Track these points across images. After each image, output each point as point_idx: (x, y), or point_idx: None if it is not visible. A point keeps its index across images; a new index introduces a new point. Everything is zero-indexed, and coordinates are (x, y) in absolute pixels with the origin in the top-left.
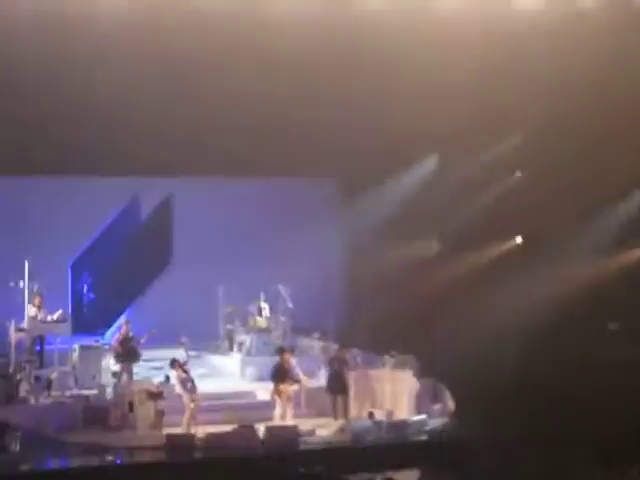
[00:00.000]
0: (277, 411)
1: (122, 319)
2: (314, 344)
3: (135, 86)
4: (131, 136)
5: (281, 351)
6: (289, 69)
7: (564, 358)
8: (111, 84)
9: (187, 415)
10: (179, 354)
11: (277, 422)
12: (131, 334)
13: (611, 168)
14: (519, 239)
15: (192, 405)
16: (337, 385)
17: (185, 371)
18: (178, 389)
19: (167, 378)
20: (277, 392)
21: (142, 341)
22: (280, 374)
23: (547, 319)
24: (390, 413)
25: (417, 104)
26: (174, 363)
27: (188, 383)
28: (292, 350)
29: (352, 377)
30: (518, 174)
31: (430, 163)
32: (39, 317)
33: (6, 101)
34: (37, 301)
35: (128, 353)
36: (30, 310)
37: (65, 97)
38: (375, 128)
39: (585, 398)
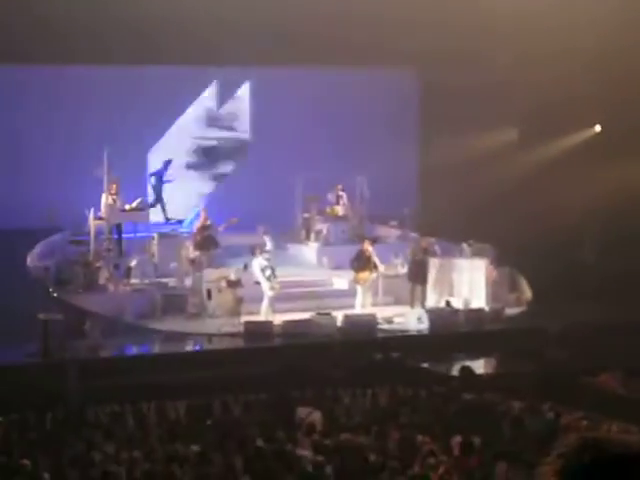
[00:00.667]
0: (358, 298)
1: (200, 207)
2: (391, 233)
3: None
4: (211, 25)
5: (361, 239)
6: None
7: None
8: None
9: (266, 303)
10: (260, 242)
11: (357, 309)
12: (209, 222)
13: None
14: (598, 128)
15: (270, 293)
16: (419, 274)
17: (266, 259)
18: (258, 275)
19: (245, 266)
20: (357, 280)
21: (220, 229)
22: (360, 262)
23: (625, 210)
24: (467, 301)
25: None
26: (255, 250)
27: (267, 270)
28: (373, 239)
29: (432, 265)
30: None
31: (508, 57)
32: (117, 205)
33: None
34: (114, 189)
35: (206, 241)
36: (107, 199)
37: None
38: (456, 26)
39: None
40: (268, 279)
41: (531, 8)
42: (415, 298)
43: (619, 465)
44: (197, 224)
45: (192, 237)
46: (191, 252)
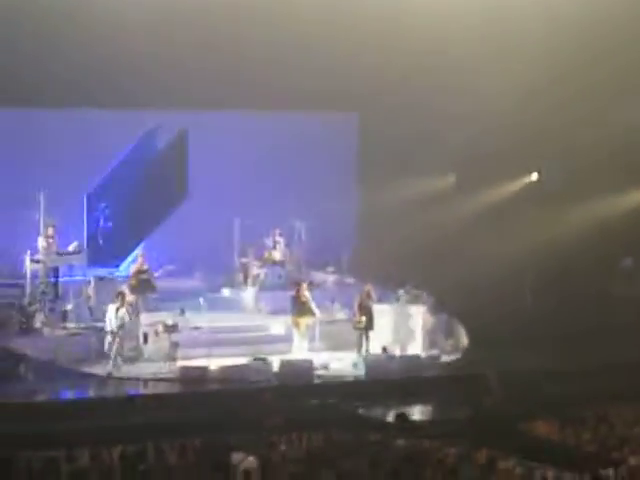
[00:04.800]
0: (295, 344)
1: (137, 251)
2: (328, 278)
3: (155, 21)
4: (149, 68)
5: (297, 284)
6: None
7: (578, 294)
8: (127, 17)
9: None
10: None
11: (294, 355)
12: (146, 266)
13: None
14: (535, 176)
15: None
16: (368, 320)
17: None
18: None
19: (182, 311)
20: (294, 324)
21: (156, 275)
22: (297, 306)
23: (561, 256)
24: (404, 347)
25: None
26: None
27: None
28: (309, 283)
29: None
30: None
31: (446, 100)
32: (53, 248)
33: (21, 35)
34: (50, 232)
35: (143, 285)
36: (42, 242)
37: (82, 28)
38: (393, 65)
39: (599, 333)
40: None
41: (468, 53)
42: (361, 343)
43: None
44: (133, 268)
45: (128, 280)
46: (128, 295)
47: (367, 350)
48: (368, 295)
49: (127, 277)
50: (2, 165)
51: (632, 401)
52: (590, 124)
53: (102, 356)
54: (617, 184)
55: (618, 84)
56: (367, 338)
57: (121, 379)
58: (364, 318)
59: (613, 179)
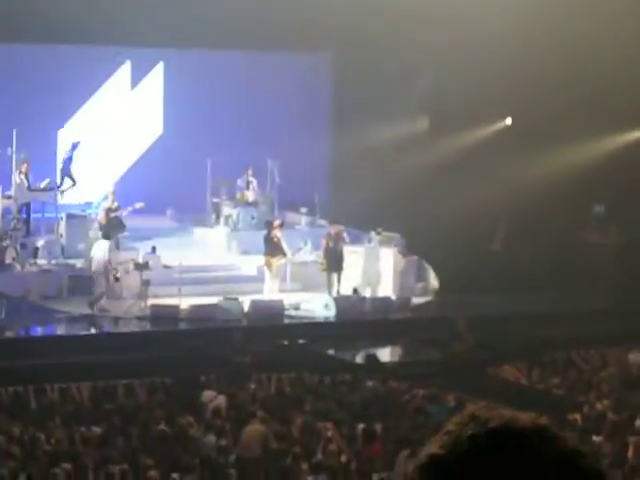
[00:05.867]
0: (266, 284)
1: (108, 189)
2: (301, 219)
3: None
4: (127, 5)
5: (270, 224)
6: None
7: (549, 239)
8: None
9: None
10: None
11: (265, 295)
12: (116, 204)
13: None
14: (509, 120)
15: None
16: (334, 261)
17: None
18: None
19: (153, 249)
20: (266, 264)
21: (125, 213)
22: (269, 247)
23: (533, 202)
24: (374, 289)
25: None
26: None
27: None
28: (280, 224)
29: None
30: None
31: (420, 43)
32: (26, 184)
33: None
34: (24, 168)
35: (113, 223)
36: (16, 177)
37: None
38: (371, 8)
39: (569, 279)
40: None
41: None
42: (332, 285)
43: (500, 437)
44: (103, 205)
45: (99, 219)
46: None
47: (338, 291)
48: (338, 236)
49: (97, 215)
50: None
51: (598, 345)
52: (565, 70)
53: (73, 293)
54: (592, 130)
55: (593, 33)
56: (338, 280)
57: (92, 316)
58: (325, 260)
59: (588, 125)
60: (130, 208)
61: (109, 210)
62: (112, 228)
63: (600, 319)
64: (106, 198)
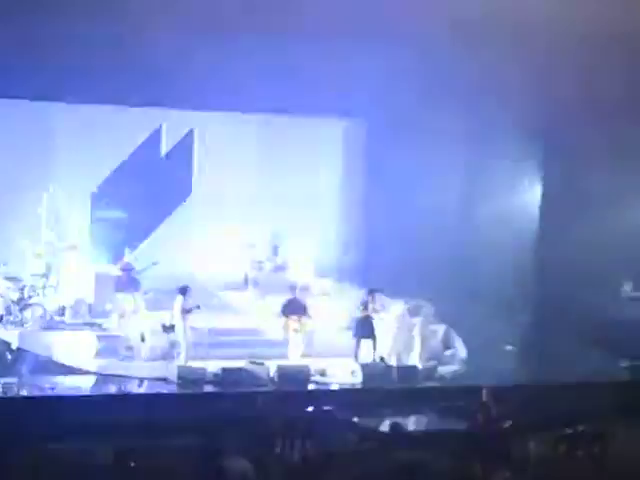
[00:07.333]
0: (291, 348)
1: (127, 250)
2: (328, 285)
3: (163, 21)
4: (155, 68)
5: (295, 289)
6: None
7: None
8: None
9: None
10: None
11: (290, 360)
12: (133, 264)
13: None
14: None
15: None
16: (366, 329)
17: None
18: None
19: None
20: (292, 329)
21: (142, 272)
22: (295, 311)
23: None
24: (401, 358)
25: None
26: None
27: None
28: (307, 288)
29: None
30: None
31: None
32: (55, 244)
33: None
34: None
35: (130, 283)
36: (46, 236)
37: (98, 24)
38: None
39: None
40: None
41: None
42: (360, 353)
43: None
44: (120, 265)
45: (117, 278)
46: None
47: (374, 358)
48: (369, 304)
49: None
50: (10, 157)
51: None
52: None
53: (99, 354)
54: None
55: None
56: (374, 347)
57: (118, 377)
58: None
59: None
60: (148, 268)
61: (124, 269)
62: (127, 286)
63: None
64: (121, 257)
